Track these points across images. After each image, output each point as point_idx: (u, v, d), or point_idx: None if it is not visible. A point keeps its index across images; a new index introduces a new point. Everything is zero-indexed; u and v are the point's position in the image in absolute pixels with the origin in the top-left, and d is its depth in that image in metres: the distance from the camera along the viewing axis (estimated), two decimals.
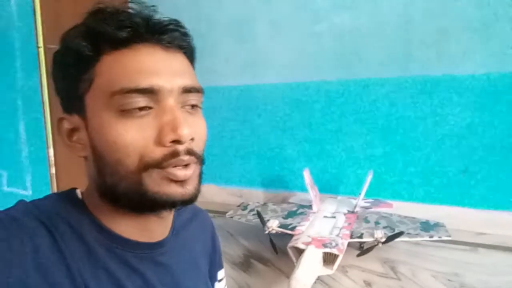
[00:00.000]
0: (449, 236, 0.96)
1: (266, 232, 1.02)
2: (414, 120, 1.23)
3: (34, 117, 1.26)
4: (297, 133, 1.40)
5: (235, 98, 1.49)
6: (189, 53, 0.46)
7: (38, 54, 1.26)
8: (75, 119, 0.42)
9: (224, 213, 1.22)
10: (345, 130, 1.33)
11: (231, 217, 1.19)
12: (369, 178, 1.16)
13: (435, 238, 0.96)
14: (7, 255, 0.36)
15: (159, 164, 0.39)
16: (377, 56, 1.25)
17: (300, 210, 1.19)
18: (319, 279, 0.92)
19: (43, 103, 1.27)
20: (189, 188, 0.40)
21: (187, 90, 0.42)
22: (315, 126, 1.37)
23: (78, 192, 0.46)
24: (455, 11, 1.14)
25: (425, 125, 1.21)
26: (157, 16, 0.42)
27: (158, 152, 0.39)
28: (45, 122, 1.28)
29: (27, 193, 1.22)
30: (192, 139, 0.40)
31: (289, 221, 1.09)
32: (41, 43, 1.26)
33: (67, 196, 0.45)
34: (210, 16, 1.48)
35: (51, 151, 1.29)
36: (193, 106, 0.43)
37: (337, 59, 1.31)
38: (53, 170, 1.31)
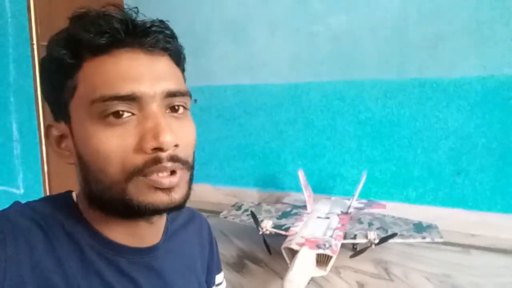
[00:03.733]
0: (442, 238, 0.97)
1: (260, 232, 1.02)
2: (408, 122, 1.23)
3: (26, 114, 1.24)
4: (292, 133, 1.41)
5: (230, 98, 1.49)
6: (175, 55, 0.44)
7: (31, 51, 1.25)
8: (62, 127, 0.42)
9: (219, 213, 1.22)
10: (340, 131, 1.33)
11: (225, 217, 1.19)
12: (363, 179, 1.16)
13: (428, 240, 0.97)
14: (2, 255, 0.35)
15: (141, 171, 0.38)
16: (373, 58, 1.26)
17: (294, 211, 1.19)
18: (313, 280, 0.92)
19: (36, 100, 1.25)
20: (176, 197, 0.39)
21: (172, 94, 0.40)
22: (310, 127, 1.37)
23: (74, 195, 0.45)
24: (450, 15, 1.15)
25: (419, 127, 1.22)
26: (141, 18, 0.41)
27: (139, 159, 0.38)
28: (38, 120, 1.27)
29: (19, 192, 1.21)
30: (176, 146, 0.39)
31: (283, 221, 1.09)
32: (34, 40, 1.25)
33: (63, 199, 0.44)
34: (207, 16, 1.48)
35: (43, 149, 1.28)
36: (179, 109, 0.42)
37: (333, 60, 1.31)
38: (45, 168, 1.30)
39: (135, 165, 0.38)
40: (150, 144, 0.38)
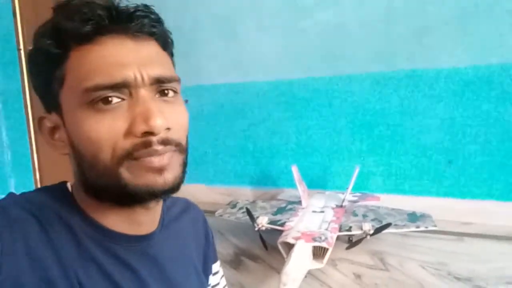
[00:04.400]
0: (435, 226, 0.98)
1: (256, 229, 1.02)
2: (398, 114, 1.24)
3: (16, 121, 1.23)
4: (284, 130, 1.41)
5: (222, 96, 1.49)
6: (162, 40, 0.44)
7: (18, 56, 1.24)
8: (54, 118, 0.42)
9: (214, 212, 1.22)
10: (331, 126, 1.34)
11: (221, 216, 1.19)
12: (356, 172, 1.17)
13: (422, 228, 0.98)
14: None
15: (130, 155, 0.38)
16: (362, 52, 1.26)
17: (289, 206, 1.20)
18: (310, 273, 0.92)
19: (25, 106, 1.24)
20: (169, 177, 0.40)
21: (160, 80, 0.41)
22: (302, 123, 1.38)
23: (68, 185, 0.45)
24: (436, 5, 1.16)
25: (410, 118, 1.23)
26: (124, 4, 0.41)
27: (128, 143, 0.38)
28: (28, 126, 1.26)
29: None
30: (168, 129, 0.40)
31: (278, 217, 1.10)
32: (21, 45, 1.24)
33: (57, 189, 0.44)
34: (195, 13, 1.48)
35: (35, 156, 1.27)
36: (169, 93, 0.42)
37: (323, 55, 1.32)
38: (38, 175, 1.29)
39: (124, 149, 0.38)
40: (141, 128, 0.38)
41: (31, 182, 1.26)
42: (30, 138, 1.25)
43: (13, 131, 1.23)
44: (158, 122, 0.38)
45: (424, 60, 1.19)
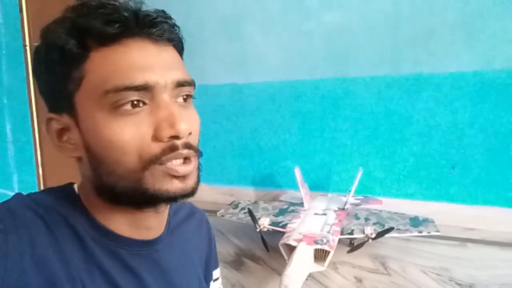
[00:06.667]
0: (438, 232, 0.97)
1: (258, 230, 1.02)
2: (403, 118, 1.24)
3: (20, 116, 1.23)
4: (287, 131, 1.41)
5: (225, 97, 1.49)
6: (178, 45, 0.45)
7: (24, 52, 1.24)
8: (65, 119, 0.41)
9: (215, 212, 1.22)
10: (334, 128, 1.33)
11: (222, 216, 1.19)
12: (358, 175, 1.16)
13: (424, 233, 0.97)
14: (3, 247, 0.35)
15: (158, 160, 0.38)
16: (367, 55, 1.26)
17: (291, 208, 1.19)
18: (311, 275, 0.92)
19: (29, 102, 1.24)
20: (190, 183, 0.41)
21: (180, 84, 0.41)
22: (305, 125, 1.37)
23: (75, 187, 0.45)
24: (442, 9, 1.15)
25: (414, 122, 1.23)
26: (144, 8, 0.41)
27: (156, 148, 0.38)
28: (32, 122, 1.26)
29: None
30: (190, 133, 0.40)
31: (280, 218, 1.10)
32: (27, 41, 1.24)
33: (64, 191, 0.44)
34: (200, 14, 1.48)
35: (38, 152, 1.27)
36: (185, 99, 0.43)
37: (327, 57, 1.32)
38: (40, 171, 1.29)
39: (152, 154, 0.39)
40: (167, 133, 0.38)
41: (34, 177, 1.26)
42: (34, 134, 1.26)
43: (17, 126, 1.23)
44: (183, 127, 0.38)
45: (429, 64, 1.19)
